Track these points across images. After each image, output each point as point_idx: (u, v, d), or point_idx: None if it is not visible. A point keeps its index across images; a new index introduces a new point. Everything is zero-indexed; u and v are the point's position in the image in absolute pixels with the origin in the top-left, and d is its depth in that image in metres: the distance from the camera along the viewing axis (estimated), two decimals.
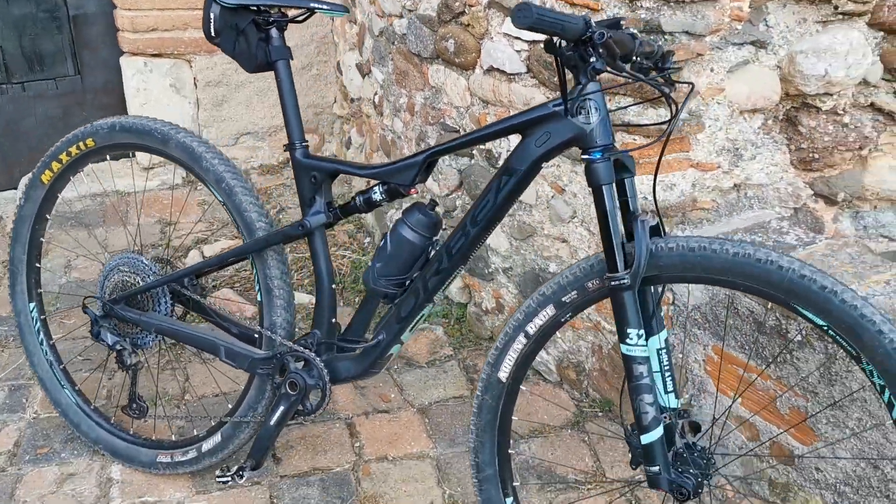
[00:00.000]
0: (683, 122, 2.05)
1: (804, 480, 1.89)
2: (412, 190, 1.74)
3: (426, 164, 1.70)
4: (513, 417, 1.74)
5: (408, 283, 1.78)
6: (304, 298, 2.98)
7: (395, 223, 1.76)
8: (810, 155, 2.20)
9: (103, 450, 2.19)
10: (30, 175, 2.17)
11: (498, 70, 2.33)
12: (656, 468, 1.53)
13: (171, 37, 3.64)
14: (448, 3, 2.46)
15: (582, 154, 1.49)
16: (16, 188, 3.56)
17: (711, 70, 2.04)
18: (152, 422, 2.27)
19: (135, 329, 2.07)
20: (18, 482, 2.13)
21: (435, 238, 1.77)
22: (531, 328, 1.65)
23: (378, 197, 1.78)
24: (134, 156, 3.73)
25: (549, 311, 1.62)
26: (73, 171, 2.12)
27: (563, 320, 1.64)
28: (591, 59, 1.33)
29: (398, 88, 2.91)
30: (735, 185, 2.18)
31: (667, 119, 2.03)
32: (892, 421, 1.43)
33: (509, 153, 1.60)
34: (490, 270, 2.59)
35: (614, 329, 1.56)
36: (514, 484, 1.82)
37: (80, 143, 2.05)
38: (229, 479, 1.84)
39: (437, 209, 1.80)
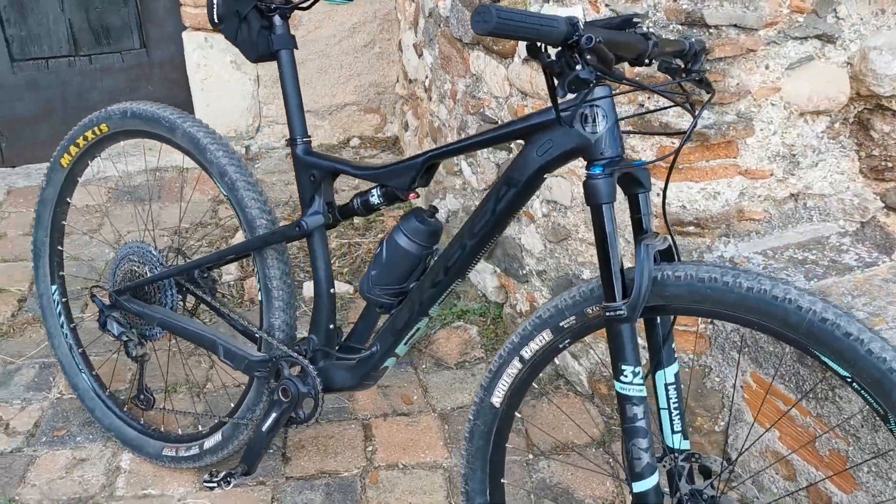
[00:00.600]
0: (729, 126, 1.84)
1: None
2: (411, 195, 1.61)
3: (425, 167, 1.57)
4: (506, 445, 1.61)
5: (405, 292, 1.67)
6: (342, 288, 2.91)
7: (391, 230, 1.64)
8: (883, 163, 1.96)
9: (115, 437, 2.18)
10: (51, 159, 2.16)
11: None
12: None
13: None
14: None
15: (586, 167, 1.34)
16: None
17: (766, 67, 1.82)
18: (163, 413, 2.24)
19: (142, 320, 2.03)
20: (31, 464, 2.14)
21: (435, 246, 1.65)
22: (526, 353, 1.51)
23: (376, 200, 1.66)
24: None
25: (546, 335, 1.48)
26: (91, 155, 2.09)
27: (560, 346, 1.49)
28: (577, 67, 1.14)
29: (443, 73, 2.77)
30: (792, 195, 1.97)
31: (706, 122, 1.84)
32: None
33: (510, 161, 1.46)
34: (524, 272, 2.44)
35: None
36: None
37: (95, 128, 2.01)
38: (215, 485, 1.78)
39: (438, 216, 1.67)
